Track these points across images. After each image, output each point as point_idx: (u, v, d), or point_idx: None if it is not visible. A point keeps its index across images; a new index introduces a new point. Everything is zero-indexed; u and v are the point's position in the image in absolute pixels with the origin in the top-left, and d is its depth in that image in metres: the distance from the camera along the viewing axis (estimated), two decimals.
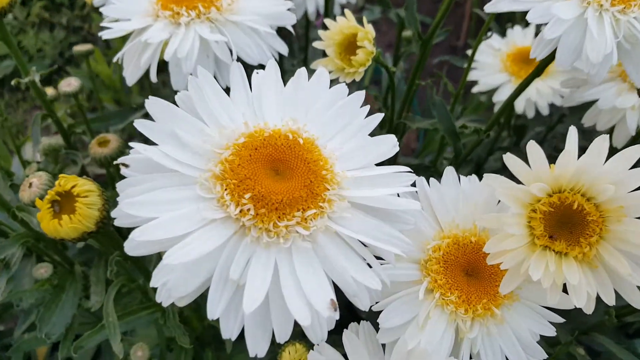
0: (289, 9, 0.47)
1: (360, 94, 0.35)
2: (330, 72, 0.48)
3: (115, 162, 0.31)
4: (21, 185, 0.46)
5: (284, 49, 0.48)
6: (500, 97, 0.71)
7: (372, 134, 0.34)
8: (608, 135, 0.32)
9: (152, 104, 0.31)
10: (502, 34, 0.79)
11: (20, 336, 0.72)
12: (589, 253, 0.34)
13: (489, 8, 0.41)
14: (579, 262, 0.34)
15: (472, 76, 0.73)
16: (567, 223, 0.35)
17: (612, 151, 0.33)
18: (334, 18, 0.50)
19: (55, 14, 2.04)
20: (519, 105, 0.69)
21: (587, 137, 0.63)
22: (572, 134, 0.33)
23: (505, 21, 1.01)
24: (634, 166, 0.33)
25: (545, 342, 0.61)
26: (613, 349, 0.61)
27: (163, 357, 0.65)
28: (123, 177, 0.30)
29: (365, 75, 0.52)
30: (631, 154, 0.32)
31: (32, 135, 0.66)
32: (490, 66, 0.73)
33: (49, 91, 0.76)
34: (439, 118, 0.63)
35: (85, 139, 0.87)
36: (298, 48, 0.89)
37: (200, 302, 0.68)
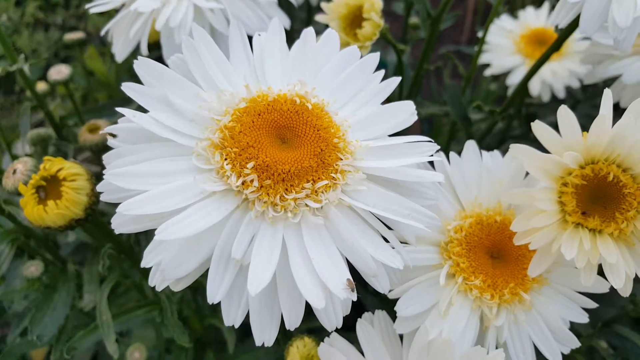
0: None
1: (375, 56, 0.31)
2: None
3: (101, 132, 0.28)
4: (4, 172, 0.43)
5: (287, 21, 0.45)
6: (514, 80, 0.68)
7: None
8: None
9: (141, 65, 0.27)
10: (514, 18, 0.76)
11: (13, 341, 0.69)
12: (626, 229, 0.31)
13: None
14: (615, 239, 0.31)
15: (483, 59, 0.70)
16: (601, 197, 0.31)
17: None
18: None
19: (50, 14, 2.02)
20: (534, 88, 0.66)
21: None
22: (607, 97, 0.30)
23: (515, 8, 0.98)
24: None
25: None
26: (635, 339, 0.58)
27: (161, 359, 0.61)
28: None
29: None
30: None
31: (20, 126, 0.63)
32: (504, 48, 0.70)
33: (40, 86, 0.73)
34: (451, 102, 0.60)
35: (77, 131, 0.83)
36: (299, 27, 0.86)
37: (201, 303, 0.65)
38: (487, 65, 0.70)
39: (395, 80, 0.31)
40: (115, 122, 0.27)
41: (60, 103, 0.98)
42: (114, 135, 0.27)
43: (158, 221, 0.24)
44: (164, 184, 0.25)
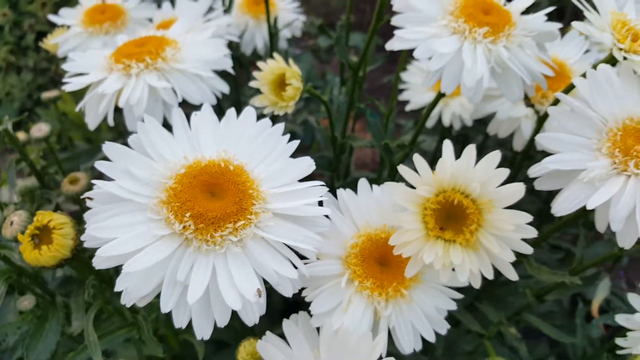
0: (225, 55, 0.55)
1: (280, 126, 0.43)
2: (266, 107, 0.56)
3: (81, 197, 0.38)
4: (3, 224, 0.53)
5: (226, 89, 0.56)
6: (432, 114, 0.80)
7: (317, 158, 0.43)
8: (475, 145, 0.41)
9: (109, 148, 0.38)
10: None
11: None
12: (471, 239, 0.42)
13: (388, 46, 0.50)
14: (464, 246, 0.43)
15: (404, 96, 0.82)
16: (452, 216, 0.43)
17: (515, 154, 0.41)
18: (279, 52, 0.58)
19: (22, 57, 2.10)
20: (446, 119, 0.78)
21: (506, 145, 0.73)
22: (447, 146, 0.42)
23: None
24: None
25: (480, 323, 0.70)
26: (538, 324, 0.70)
27: None
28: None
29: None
30: (493, 158, 0.41)
31: (7, 179, 0.73)
32: (420, 86, 0.82)
33: (20, 135, 0.83)
34: (374, 137, 0.72)
35: (58, 178, 0.93)
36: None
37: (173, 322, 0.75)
38: (408, 101, 0.82)
39: (295, 143, 0.43)
40: (91, 167, 0.38)
41: (37, 145, 1.08)
42: (91, 199, 0.38)
43: (125, 258, 0.35)
44: (127, 232, 0.36)
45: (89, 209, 0.38)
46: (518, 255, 0.43)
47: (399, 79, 0.75)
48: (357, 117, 0.86)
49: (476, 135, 0.98)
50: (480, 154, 0.98)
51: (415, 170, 0.42)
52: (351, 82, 0.73)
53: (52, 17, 0.77)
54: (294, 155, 0.43)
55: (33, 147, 1.09)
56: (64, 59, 0.75)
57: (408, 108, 0.82)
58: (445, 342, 0.76)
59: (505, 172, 0.40)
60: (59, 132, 1.70)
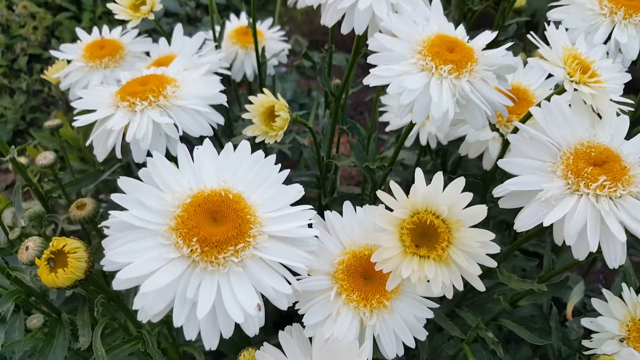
0: (220, 91, 0.61)
1: (272, 157, 0.49)
2: (257, 136, 0.62)
3: (99, 226, 0.44)
4: (19, 249, 0.58)
5: (221, 120, 0.62)
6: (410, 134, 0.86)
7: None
8: (441, 172, 0.47)
9: (123, 182, 0.44)
10: None
11: None
12: (443, 254, 0.48)
13: (365, 82, 0.56)
14: (437, 262, 0.48)
15: (384, 117, 0.89)
16: (426, 235, 0.49)
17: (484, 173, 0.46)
18: (267, 77, 0.63)
19: (14, 80, 2.14)
20: (423, 139, 0.84)
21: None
22: (419, 174, 0.48)
23: None
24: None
25: (462, 329, 0.76)
26: (513, 328, 0.76)
27: None
28: (97, 233, 0.43)
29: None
30: (458, 184, 0.47)
31: (15, 205, 0.78)
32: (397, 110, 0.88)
33: (22, 160, 0.87)
34: (356, 157, 0.78)
35: (60, 201, 0.98)
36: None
37: (175, 335, 0.80)
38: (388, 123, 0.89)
39: (286, 172, 0.48)
40: (93, 189, 0.43)
41: (37, 169, 1.12)
42: (107, 227, 0.43)
43: (140, 280, 0.40)
44: (141, 256, 0.41)
45: (92, 229, 0.43)
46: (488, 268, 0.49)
47: (378, 101, 0.81)
48: (342, 131, 0.91)
49: (455, 149, 1.04)
50: (459, 166, 1.05)
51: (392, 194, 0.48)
52: (334, 108, 0.79)
53: (53, 52, 0.82)
54: (284, 168, 0.49)
55: (32, 169, 1.13)
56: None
57: (388, 129, 0.88)
58: (430, 348, 0.81)
59: (469, 196, 0.46)
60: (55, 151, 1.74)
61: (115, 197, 0.43)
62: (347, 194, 0.92)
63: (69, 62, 0.82)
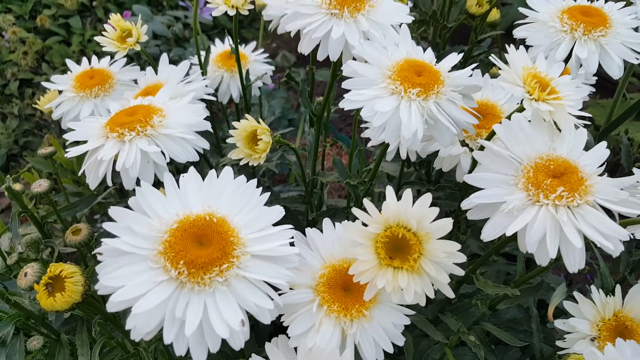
0: (205, 118, 0.65)
1: (254, 181, 0.52)
2: (242, 159, 0.65)
3: (92, 253, 0.47)
4: (18, 276, 0.61)
5: (207, 145, 0.66)
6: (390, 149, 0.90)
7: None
8: (410, 189, 0.51)
9: (114, 211, 0.47)
10: None
11: None
12: (415, 265, 0.52)
13: (340, 105, 0.60)
14: (410, 272, 0.52)
15: (366, 133, 0.92)
16: (399, 247, 0.53)
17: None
18: (254, 98, 0.66)
19: (6, 105, 2.17)
20: (403, 153, 0.88)
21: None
22: (389, 191, 0.51)
23: None
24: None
25: (446, 334, 0.79)
26: (493, 331, 0.79)
27: None
28: (93, 256, 0.46)
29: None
30: (426, 199, 0.51)
31: (12, 231, 0.81)
32: None
33: (16, 187, 0.90)
34: (339, 173, 0.81)
35: (56, 226, 1.01)
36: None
37: (172, 351, 0.83)
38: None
39: (266, 195, 0.52)
40: (87, 214, 0.46)
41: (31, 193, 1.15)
42: (100, 254, 0.46)
43: (132, 302, 0.43)
44: (132, 280, 0.44)
45: (88, 252, 0.46)
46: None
47: (358, 118, 0.85)
48: (327, 146, 0.95)
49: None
50: (442, 176, 1.08)
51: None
52: (316, 127, 0.83)
53: (45, 84, 0.86)
54: (275, 184, 0.53)
55: (27, 193, 1.16)
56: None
57: (369, 145, 0.92)
58: (417, 352, 0.85)
59: (436, 210, 0.50)
60: (48, 175, 1.77)
61: (107, 225, 0.47)
62: (333, 207, 0.96)
63: (60, 91, 0.86)
